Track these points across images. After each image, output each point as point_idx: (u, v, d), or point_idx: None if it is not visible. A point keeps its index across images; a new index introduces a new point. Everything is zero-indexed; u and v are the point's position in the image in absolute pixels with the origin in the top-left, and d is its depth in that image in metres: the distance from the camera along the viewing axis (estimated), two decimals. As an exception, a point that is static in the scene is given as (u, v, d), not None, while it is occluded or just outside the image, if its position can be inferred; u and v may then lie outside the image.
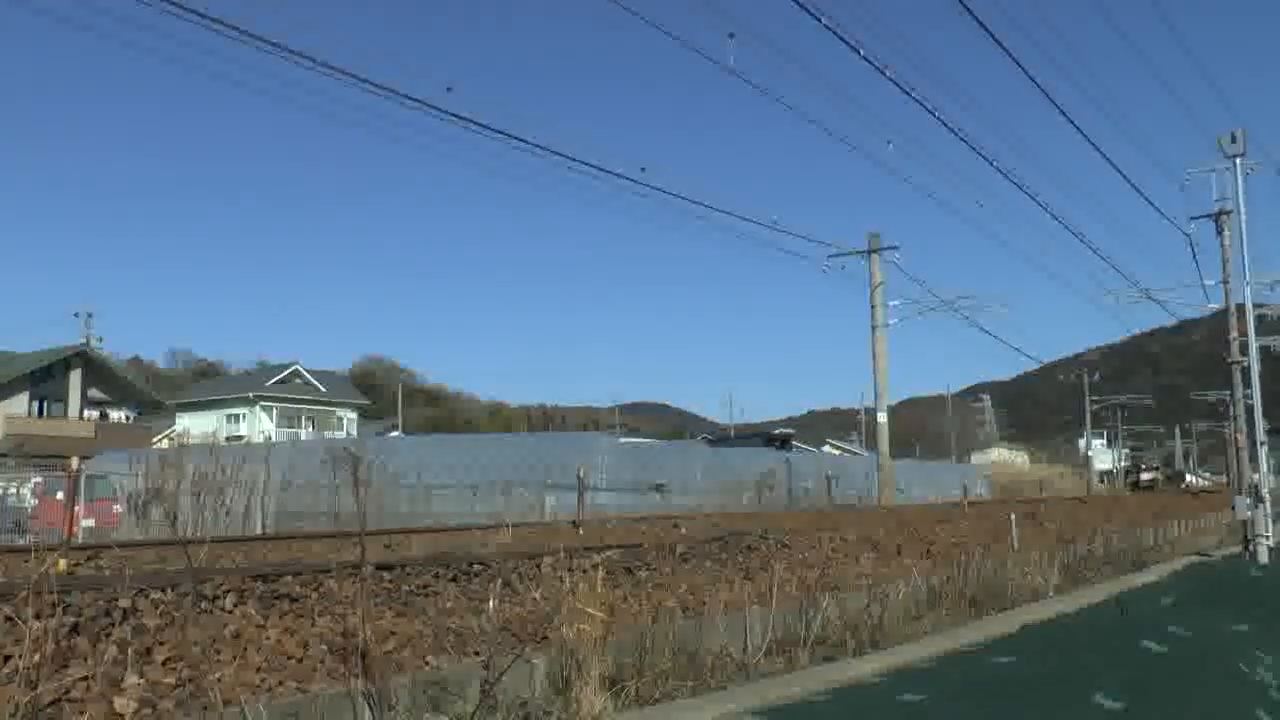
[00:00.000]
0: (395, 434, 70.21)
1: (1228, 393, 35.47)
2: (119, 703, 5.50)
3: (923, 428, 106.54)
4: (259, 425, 74.42)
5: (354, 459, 6.31)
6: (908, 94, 16.04)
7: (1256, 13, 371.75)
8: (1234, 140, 22.84)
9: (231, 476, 21.27)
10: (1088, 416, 75.15)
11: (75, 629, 5.86)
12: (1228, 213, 25.95)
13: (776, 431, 59.98)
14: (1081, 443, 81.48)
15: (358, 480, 6.58)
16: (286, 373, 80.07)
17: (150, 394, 69.73)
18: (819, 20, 12.93)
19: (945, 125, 18.23)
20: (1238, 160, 23.15)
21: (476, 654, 7.30)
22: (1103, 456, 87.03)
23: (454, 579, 8.61)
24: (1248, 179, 24.24)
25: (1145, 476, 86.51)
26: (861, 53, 14.59)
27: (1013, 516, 19.38)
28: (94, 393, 62.12)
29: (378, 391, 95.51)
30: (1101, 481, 77.83)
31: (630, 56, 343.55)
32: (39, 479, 30.69)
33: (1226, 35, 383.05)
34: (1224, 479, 61.95)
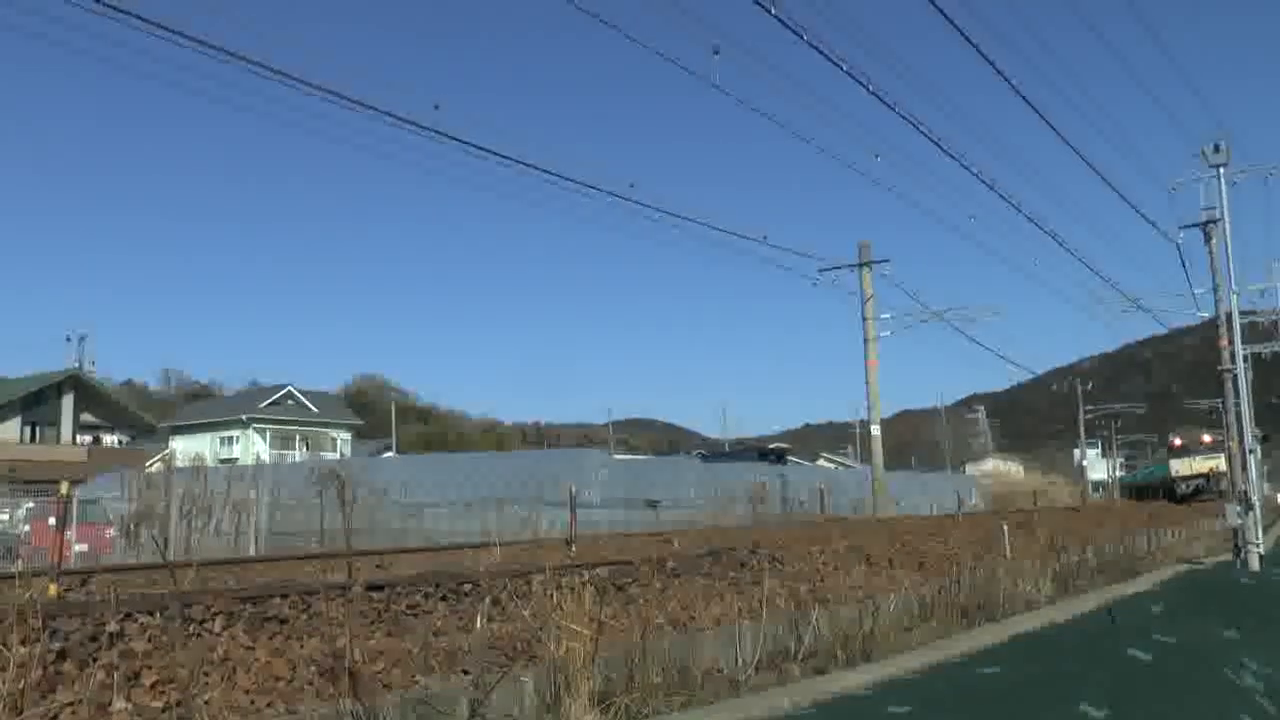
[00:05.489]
0: (389, 453, 70.11)
1: (1220, 400, 35.60)
2: (106, 727, 5.51)
3: (917, 439, 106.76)
4: (252, 447, 74.27)
5: (340, 479, 6.34)
6: (891, 108, 16.15)
7: (1241, 15, 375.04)
8: (1217, 150, 23.04)
9: (224, 498, 21.29)
10: (1081, 426, 75.17)
11: (62, 654, 5.87)
12: (1215, 221, 26.11)
13: (770, 445, 60.03)
14: (1076, 452, 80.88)
15: (345, 500, 6.61)
16: (279, 394, 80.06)
17: (143, 417, 69.63)
18: (800, 36, 13.04)
19: (930, 139, 18.32)
20: (1221, 170, 23.34)
21: (466, 672, 7.31)
22: (1097, 466, 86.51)
23: (444, 598, 8.62)
24: (1235, 186, 24.45)
25: (1181, 469, 52.72)
26: (844, 68, 14.68)
27: (1005, 527, 19.41)
28: (86, 417, 62.03)
29: (371, 411, 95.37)
30: (1096, 491, 77.61)
31: (616, 73, 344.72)
32: (31, 504, 30.59)
33: (1212, 40, 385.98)
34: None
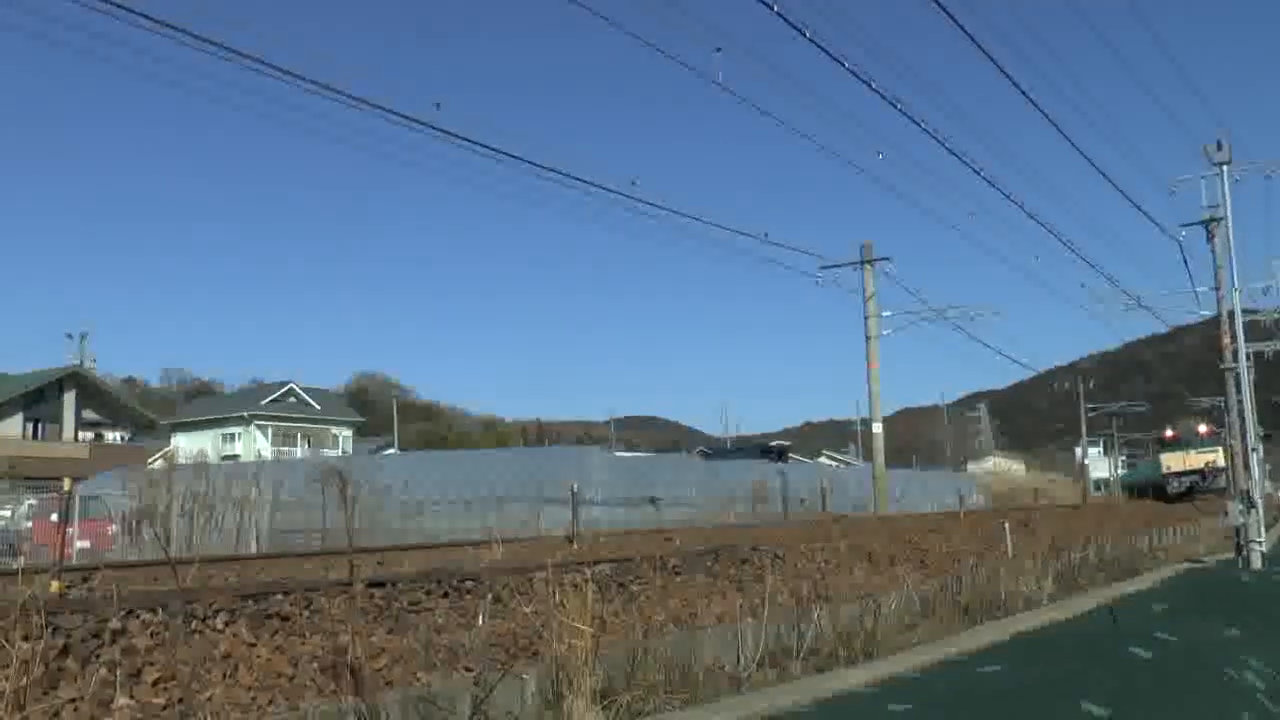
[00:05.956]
0: (390, 451, 70.19)
1: (1221, 399, 35.53)
2: (108, 724, 5.51)
3: (919, 438, 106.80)
4: (254, 444, 74.37)
5: (342, 477, 6.34)
6: (893, 105, 16.16)
7: (1242, 15, 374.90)
8: (1220, 148, 22.99)
9: (225, 495, 21.32)
10: (1083, 425, 75.08)
11: (65, 651, 5.87)
12: (1218, 220, 26.08)
13: (772, 444, 60.10)
14: (1077, 451, 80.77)
15: (347, 498, 6.61)
16: (281, 391, 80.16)
17: (145, 414, 69.69)
18: (803, 34, 13.04)
19: (933, 137, 18.35)
20: (1224, 168, 23.30)
21: (468, 670, 7.31)
22: (1098, 464, 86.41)
23: (445, 595, 8.62)
24: (1237, 185, 24.41)
25: (1172, 464, 46.43)
26: (847, 65, 14.69)
27: (1006, 525, 19.40)
28: (88, 414, 62.06)
29: (373, 408, 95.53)
30: (1097, 489, 77.54)
31: (618, 71, 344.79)
32: (33, 501, 30.66)
33: (1213, 40, 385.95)
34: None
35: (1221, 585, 16.08)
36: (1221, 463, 42.98)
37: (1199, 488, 45.97)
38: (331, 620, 7.22)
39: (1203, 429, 47.94)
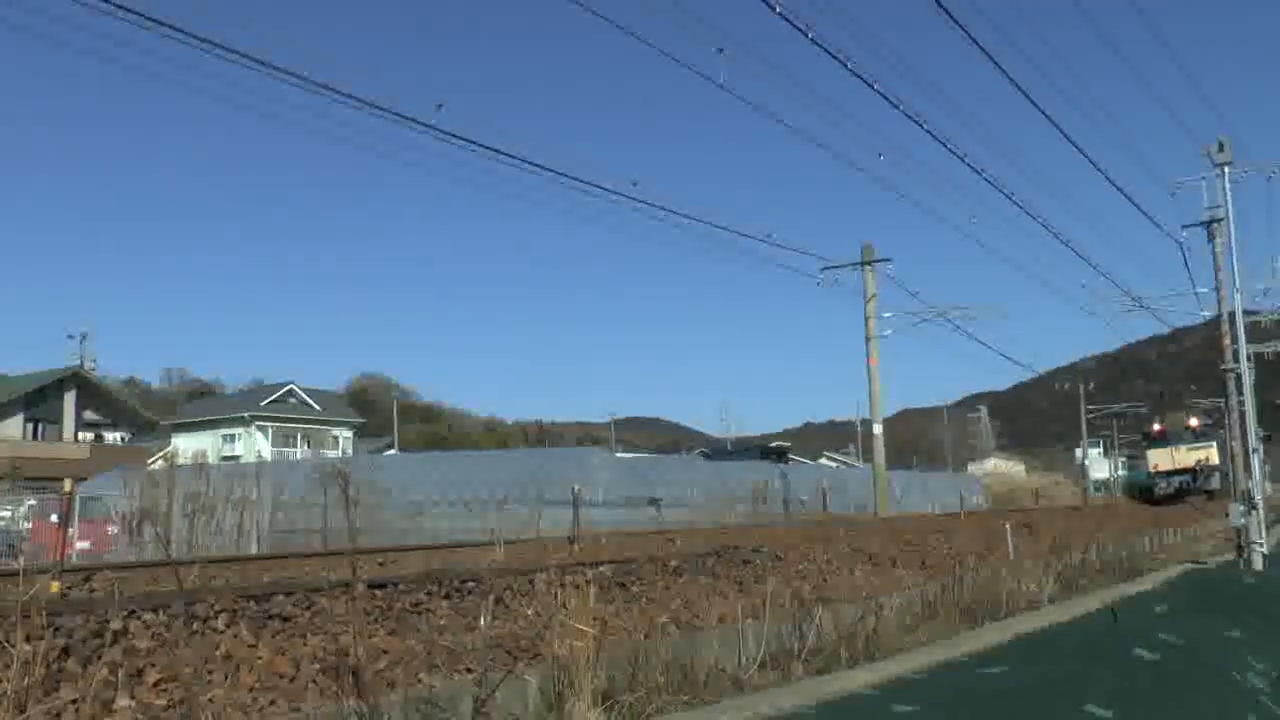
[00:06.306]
0: (391, 451, 70.16)
1: (1222, 400, 35.50)
2: (110, 725, 5.50)
3: (920, 439, 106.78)
4: (254, 445, 74.37)
5: (344, 477, 6.33)
6: (895, 106, 16.13)
7: (1243, 15, 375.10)
8: (1221, 149, 22.96)
9: (226, 496, 21.30)
10: (1084, 426, 74.96)
11: (66, 651, 5.86)
12: (1219, 220, 26.03)
13: (772, 444, 60.06)
14: (1078, 452, 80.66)
15: (348, 498, 6.60)
16: (281, 392, 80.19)
17: (145, 415, 69.68)
18: (805, 34, 13.02)
19: (934, 137, 18.33)
20: (1226, 169, 23.26)
21: (469, 671, 7.30)
22: (1099, 465, 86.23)
23: (447, 596, 8.61)
24: (1238, 185, 24.37)
25: (1161, 463, 41.95)
26: (849, 66, 14.67)
27: (1008, 527, 19.40)
28: (89, 414, 62.03)
29: (373, 409, 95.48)
30: (1098, 490, 77.43)
31: (620, 72, 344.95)
32: (33, 501, 30.66)
33: (1215, 40, 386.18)
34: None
35: (1223, 586, 16.05)
36: (1215, 460, 40.18)
37: (1190, 489, 43.08)
38: (333, 621, 7.21)
39: (1193, 422, 44.67)
